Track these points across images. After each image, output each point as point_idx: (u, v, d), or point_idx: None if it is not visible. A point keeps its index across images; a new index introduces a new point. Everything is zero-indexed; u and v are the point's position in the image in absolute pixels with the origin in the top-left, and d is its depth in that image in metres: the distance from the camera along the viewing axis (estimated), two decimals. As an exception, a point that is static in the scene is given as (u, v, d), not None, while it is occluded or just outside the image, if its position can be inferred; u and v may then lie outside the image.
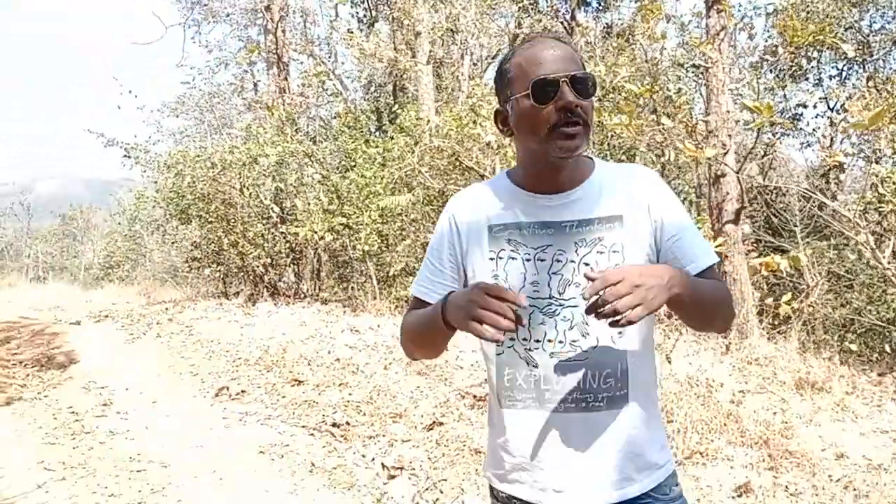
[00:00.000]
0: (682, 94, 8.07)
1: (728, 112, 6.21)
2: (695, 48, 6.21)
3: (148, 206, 12.59)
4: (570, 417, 1.46)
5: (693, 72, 8.52)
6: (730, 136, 6.37)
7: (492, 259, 1.51)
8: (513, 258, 1.49)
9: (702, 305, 1.42)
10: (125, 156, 11.34)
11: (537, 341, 1.48)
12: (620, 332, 1.45)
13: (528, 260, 1.48)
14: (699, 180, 10.99)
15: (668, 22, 7.01)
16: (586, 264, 1.45)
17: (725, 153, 6.27)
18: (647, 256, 1.48)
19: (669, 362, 5.09)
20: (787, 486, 3.56)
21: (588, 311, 1.25)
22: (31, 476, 4.32)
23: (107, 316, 10.65)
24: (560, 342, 1.46)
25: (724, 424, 4.15)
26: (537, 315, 1.48)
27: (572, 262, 1.46)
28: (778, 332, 6.13)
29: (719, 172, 6.34)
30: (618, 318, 1.22)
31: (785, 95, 13.40)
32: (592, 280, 1.25)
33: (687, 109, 6.58)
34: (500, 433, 1.57)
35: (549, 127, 1.41)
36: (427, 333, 1.52)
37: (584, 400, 1.45)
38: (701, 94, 7.54)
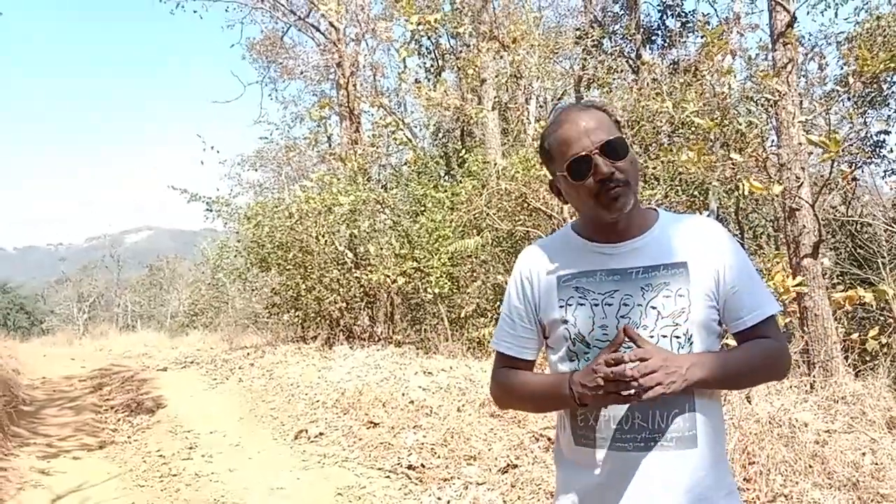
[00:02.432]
0: (753, 128, 7.95)
1: (800, 145, 6.10)
2: (762, 82, 6.15)
3: (230, 255, 13.11)
4: (640, 457, 1.51)
5: (763, 104, 8.41)
6: (803, 168, 6.23)
7: (561, 307, 1.60)
8: (581, 304, 1.57)
9: (732, 381, 1.57)
10: (207, 209, 11.89)
11: None
12: None
13: (595, 305, 1.56)
14: (776, 214, 10.71)
15: (733, 57, 6.97)
16: (653, 307, 1.53)
17: (799, 186, 6.13)
18: (710, 303, 1.55)
19: (749, 402, 4.95)
20: (878, 531, 3.40)
21: (607, 381, 1.41)
22: (125, 516, 4.55)
23: (192, 362, 11.07)
24: None
25: (810, 466, 4.00)
26: None
27: (639, 305, 1.53)
28: (866, 369, 5.87)
29: (794, 206, 6.20)
30: (634, 392, 1.38)
31: (865, 122, 12.96)
32: (631, 338, 1.44)
33: (758, 143, 6.49)
34: (570, 471, 1.63)
35: (592, 197, 1.54)
36: (550, 406, 1.66)
37: (654, 440, 1.50)
38: (773, 126, 7.42)
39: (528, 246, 1.79)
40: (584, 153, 1.51)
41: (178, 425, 6.89)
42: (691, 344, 1.51)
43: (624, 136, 1.58)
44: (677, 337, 1.52)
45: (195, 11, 14.90)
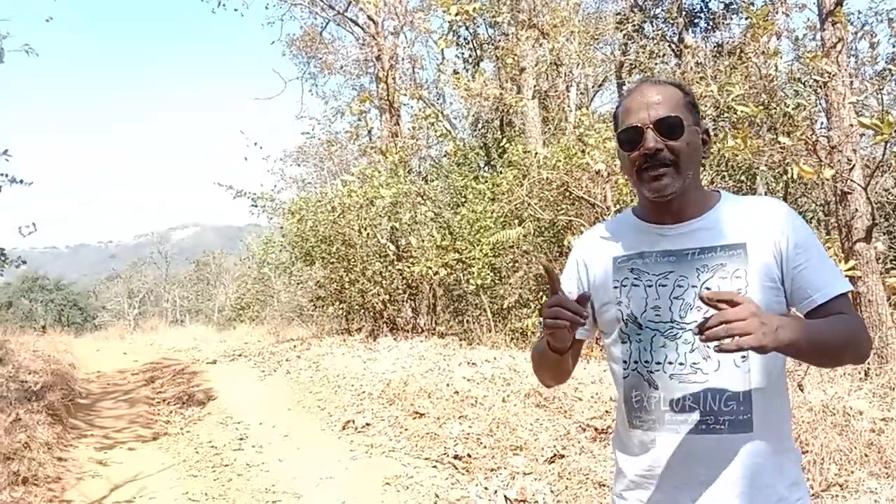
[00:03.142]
0: (802, 111, 7.74)
1: (851, 126, 5.92)
2: (811, 62, 5.98)
3: (275, 249, 13.34)
4: (691, 439, 1.48)
5: (812, 86, 8.19)
6: (854, 150, 6.05)
7: (615, 288, 1.59)
8: (635, 285, 1.56)
9: (821, 350, 1.41)
10: (252, 205, 12.10)
11: (658, 363, 1.53)
12: (744, 356, 1.46)
13: (649, 286, 1.54)
14: (826, 198, 10.44)
15: (779, 38, 6.79)
16: (708, 288, 1.48)
17: (851, 169, 5.96)
18: (771, 285, 1.49)
19: (802, 390, 4.85)
20: (939, 522, 3.31)
21: (700, 327, 1.28)
22: (180, 505, 4.67)
23: (240, 355, 11.29)
24: (680, 364, 1.50)
25: (865, 455, 3.91)
26: (658, 338, 1.53)
27: (693, 286, 1.50)
28: (923, 356, 5.70)
29: (846, 189, 6.03)
30: (724, 342, 1.25)
31: (919, 102, 12.50)
32: (709, 301, 1.29)
33: (807, 126, 6.33)
34: (625, 452, 1.62)
35: (636, 170, 1.53)
36: (543, 359, 1.64)
37: (705, 422, 1.47)
38: (822, 108, 7.22)
39: (589, 229, 1.78)
40: (637, 124, 1.50)
41: (228, 417, 7.03)
42: None
43: (697, 118, 1.54)
44: None
45: (236, 9, 15.09)
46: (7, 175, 6.74)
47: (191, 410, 7.48)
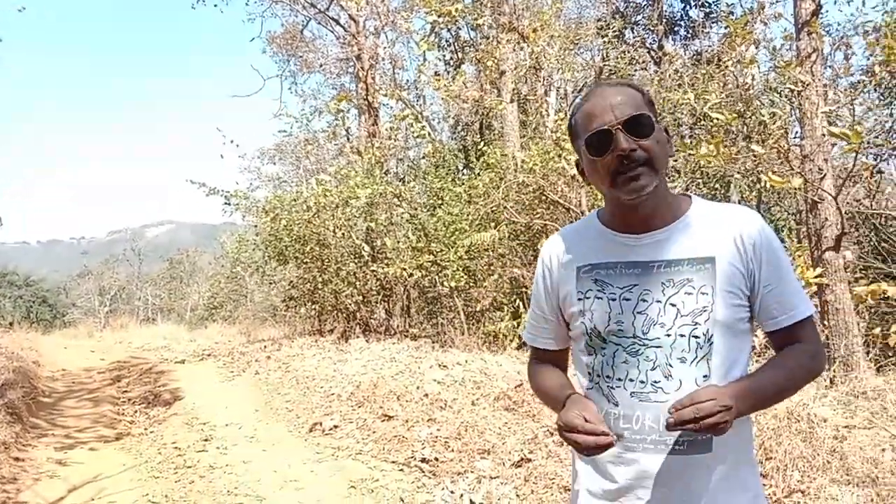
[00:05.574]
0: (776, 119, 7.79)
1: (823, 136, 5.96)
2: (786, 71, 6.01)
3: (248, 248, 13.19)
4: (650, 459, 1.45)
5: (787, 95, 8.25)
6: (826, 160, 6.10)
7: (580, 299, 1.54)
8: (599, 298, 1.51)
9: (777, 398, 1.50)
10: (226, 203, 11.93)
11: (619, 380, 1.49)
12: (706, 376, 1.45)
13: (613, 299, 1.50)
14: (798, 206, 10.54)
15: (756, 47, 6.83)
16: (673, 305, 1.45)
17: (822, 178, 6.00)
18: (737, 302, 1.45)
19: (769, 397, 4.86)
20: (900, 530, 3.31)
21: (669, 427, 1.33)
22: (138, 507, 4.56)
23: (209, 354, 11.13)
24: (641, 382, 1.46)
25: (828, 462, 3.91)
26: (621, 353, 1.49)
27: (658, 301, 1.46)
28: (888, 364, 5.75)
29: (816, 198, 6.07)
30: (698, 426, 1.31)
31: (892, 113, 12.68)
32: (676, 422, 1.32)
33: (780, 134, 6.37)
34: (587, 469, 1.59)
35: (610, 174, 1.45)
36: (547, 400, 1.69)
37: (664, 442, 1.44)
38: (796, 118, 7.28)
39: (553, 234, 1.73)
40: (606, 127, 1.43)
41: (194, 417, 6.91)
42: (711, 344, 1.43)
43: (656, 116, 1.49)
44: (696, 337, 1.43)
45: (216, 5, 14.92)
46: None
47: (156, 410, 7.35)
